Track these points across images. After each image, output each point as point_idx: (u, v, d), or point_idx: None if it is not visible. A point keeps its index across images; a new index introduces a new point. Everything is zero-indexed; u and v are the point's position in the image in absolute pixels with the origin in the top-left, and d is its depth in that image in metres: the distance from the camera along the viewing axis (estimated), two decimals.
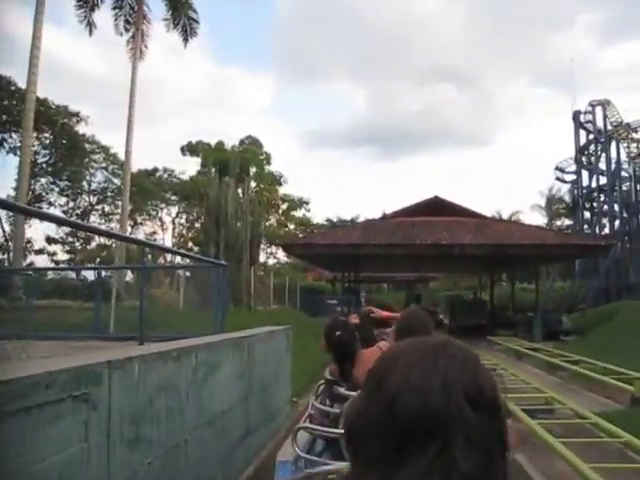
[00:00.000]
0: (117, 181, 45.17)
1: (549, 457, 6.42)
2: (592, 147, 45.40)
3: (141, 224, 48.79)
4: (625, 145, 40.37)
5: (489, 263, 30.25)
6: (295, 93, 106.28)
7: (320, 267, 37.13)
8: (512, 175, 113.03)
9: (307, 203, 38.32)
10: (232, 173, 18.32)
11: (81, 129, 35.84)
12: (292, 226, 37.75)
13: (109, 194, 44.89)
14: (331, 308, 28.47)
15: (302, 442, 2.99)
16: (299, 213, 42.88)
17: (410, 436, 0.72)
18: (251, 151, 32.01)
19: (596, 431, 7.37)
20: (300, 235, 36.84)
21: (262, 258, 50.03)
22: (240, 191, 18.46)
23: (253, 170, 29.19)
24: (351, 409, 0.84)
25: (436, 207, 26.51)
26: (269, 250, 53.13)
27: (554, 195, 59.78)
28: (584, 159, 46.71)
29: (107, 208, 45.31)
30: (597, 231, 41.70)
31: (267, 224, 31.82)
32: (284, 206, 36.21)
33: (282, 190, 36.10)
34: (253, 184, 23.91)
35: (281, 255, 50.64)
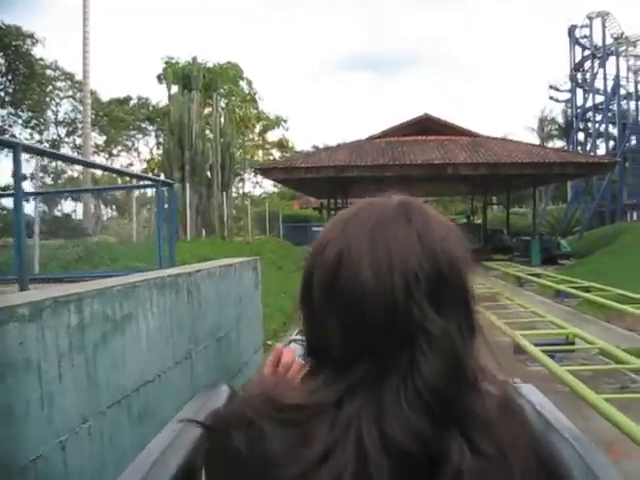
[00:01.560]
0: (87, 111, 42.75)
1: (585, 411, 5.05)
2: (588, 64, 43.41)
3: (117, 155, 46.63)
4: (626, 58, 38.17)
5: (484, 184, 28.70)
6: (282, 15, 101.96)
7: (304, 193, 35.42)
8: (504, 97, 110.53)
9: (285, 121, 34.54)
10: (196, 86, 16.11)
11: (38, 52, 33.03)
12: (272, 150, 35.43)
13: (79, 125, 42.53)
14: (316, 235, 27.12)
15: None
16: (277, 134, 38.70)
17: (375, 342, 0.69)
18: (223, 68, 29.41)
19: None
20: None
21: (248, 187, 48.28)
22: (209, 111, 16.53)
23: (225, 88, 27.19)
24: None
25: (426, 126, 24.68)
26: (254, 179, 51.40)
27: (546, 116, 58.11)
28: (579, 77, 44.81)
29: (78, 140, 43.00)
30: (591, 153, 40.17)
31: (240, 145, 29.04)
32: (259, 125, 32.49)
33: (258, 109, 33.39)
34: (223, 102, 21.63)
35: (268, 184, 48.87)
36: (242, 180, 67.49)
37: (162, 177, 15.73)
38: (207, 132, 16.39)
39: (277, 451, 0.69)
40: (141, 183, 7.49)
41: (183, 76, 16.46)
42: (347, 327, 0.71)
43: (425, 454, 0.65)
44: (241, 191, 34.96)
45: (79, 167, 23.91)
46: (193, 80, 16.12)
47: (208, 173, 16.00)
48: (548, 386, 5.68)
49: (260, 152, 31.61)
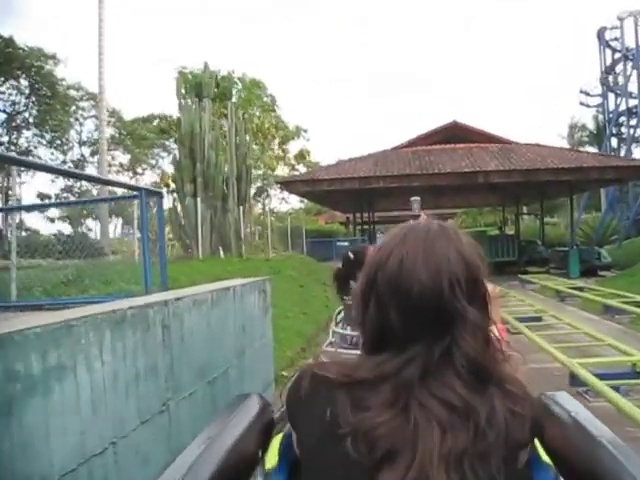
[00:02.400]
0: (110, 130, 42.48)
1: None
2: (620, 67, 41.87)
3: (142, 174, 46.36)
4: None
5: (517, 193, 27.45)
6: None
7: (329, 207, 34.48)
8: (533, 105, 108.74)
9: (305, 131, 32.43)
10: (207, 94, 15.14)
11: (60, 72, 32.81)
12: (294, 162, 34.08)
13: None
14: (343, 251, 26.05)
15: (342, 341, 2.90)
16: (297, 145, 36.62)
17: (422, 325, 0.95)
18: (245, 84, 28.33)
19: None
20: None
21: (274, 203, 47.40)
22: (224, 122, 15.62)
23: (240, 95, 25.77)
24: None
25: (455, 134, 23.69)
26: (280, 195, 50.61)
27: (576, 123, 56.51)
28: (611, 80, 43.27)
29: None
30: None
31: (258, 156, 27.59)
32: (278, 136, 30.42)
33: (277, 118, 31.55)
34: (240, 111, 20.80)
35: (294, 200, 47.95)
36: (268, 196, 66.81)
37: (169, 191, 14.94)
38: (222, 143, 15.62)
39: (343, 407, 0.93)
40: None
41: (195, 85, 15.67)
42: (406, 314, 0.96)
43: (464, 405, 0.90)
44: (267, 207, 33.84)
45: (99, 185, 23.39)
46: (204, 87, 15.20)
47: (224, 187, 15.19)
48: (617, 428, 4.61)
49: (282, 164, 30.54)
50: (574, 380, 6.11)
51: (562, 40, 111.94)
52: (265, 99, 29.44)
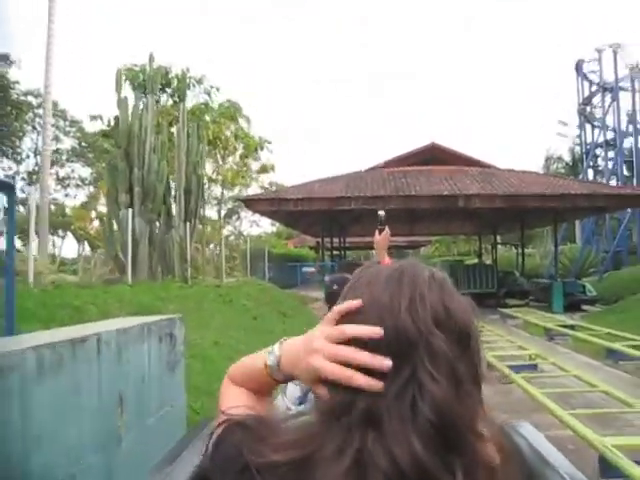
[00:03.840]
0: (70, 141, 40.24)
1: None
2: (597, 99, 41.47)
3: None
4: None
5: (496, 220, 26.07)
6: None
7: (297, 229, 32.63)
8: (509, 136, 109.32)
9: (269, 142, 27.73)
10: (151, 89, 13.39)
11: (13, 75, 30.57)
12: (260, 179, 31.44)
13: (63, 156, 40.11)
14: (308, 278, 24.20)
15: (293, 397, 2.46)
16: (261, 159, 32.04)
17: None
18: (220, 106, 25.72)
19: None
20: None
21: (245, 226, 45.32)
22: (175, 131, 13.53)
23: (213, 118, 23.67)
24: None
25: (434, 155, 22.21)
26: (252, 218, 48.68)
27: (552, 154, 56.15)
28: (588, 111, 42.82)
29: (62, 172, 40.54)
30: None
31: (217, 167, 24.91)
32: (240, 147, 25.86)
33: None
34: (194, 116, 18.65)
35: (266, 223, 46.00)
36: (239, 218, 64.72)
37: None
38: (169, 149, 13.64)
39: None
40: None
41: (138, 79, 13.63)
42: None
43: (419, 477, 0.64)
44: (219, 225, 31.20)
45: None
46: (148, 82, 13.28)
47: (170, 199, 13.18)
48: None
49: (246, 180, 27.97)
50: (606, 467, 4.38)
51: (540, 71, 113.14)
52: (240, 120, 27.41)
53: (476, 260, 32.08)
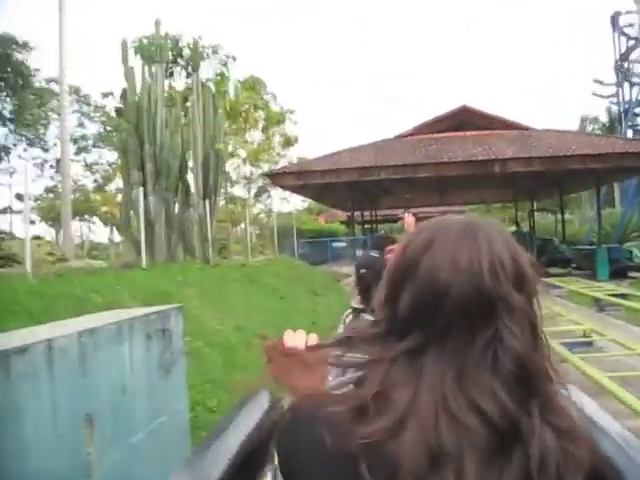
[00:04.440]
0: (95, 127, 39.79)
1: None
2: (635, 54, 39.42)
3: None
4: None
5: (533, 185, 24.89)
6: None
7: (326, 204, 31.78)
8: (544, 97, 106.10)
9: (292, 112, 25.97)
10: (161, 57, 12.30)
11: (33, 62, 29.97)
12: (282, 154, 29.85)
13: (89, 142, 39.81)
14: (339, 253, 23.39)
15: (332, 373, 1.51)
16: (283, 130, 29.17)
17: (459, 320, 0.75)
18: (240, 82, 24.11)
19: None
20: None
21: (276, 205, 44.62)
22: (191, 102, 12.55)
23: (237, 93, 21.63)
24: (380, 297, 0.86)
25: (464, 120, 21.04)
26: (282, 195, 47.96)
27: (588, 115, 54.02)
28: (625, 68, 40.78)
29: (89, 158, 40.25)
30: None
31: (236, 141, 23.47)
32: (262, 120, 23.90)
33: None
34: (212, 85, 17.46)
35: (297, 200, 45.24)
36: (269, 196, 64.04)
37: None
38: (184, 122, 12.80)
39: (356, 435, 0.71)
40: None
41: (147, 49, 12.68)
42: (438, 300, 0.76)
43: (511, 429, 0.70)
44: (249, 201, 30.22)
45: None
46: (156, 50, 12.07)
47: (190, 176, 12.47)
48: None
49: (269, 155, 26.72)
50: None
51: (573, 28, 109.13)
52: (265, 97, 26.12)
53: (513, 228, 30.93)
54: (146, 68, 11.62)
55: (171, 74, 14.81)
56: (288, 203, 45.40)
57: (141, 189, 10.02)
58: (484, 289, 0.74)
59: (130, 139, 10.83)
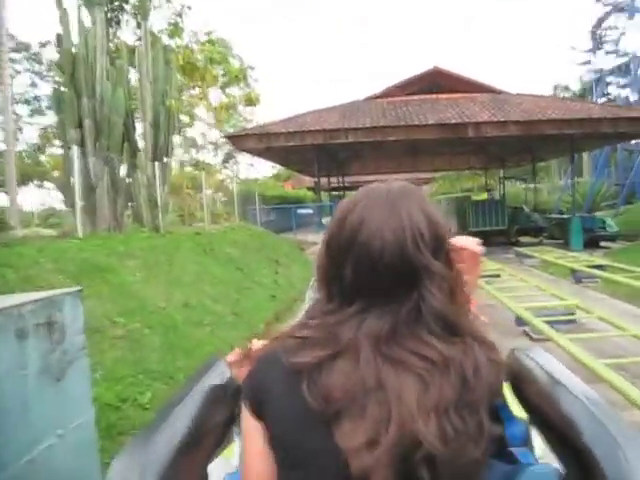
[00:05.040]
0: (49, 86, 37.70)
1: None
2: (610, 21, 38.99)
3: None
4: None
5: (507, 152, 24.23)
6: None
7: (291, 169, 30.72)
8: (512, 65, 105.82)
9: (252, 68, 23.40)
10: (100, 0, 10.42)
11: None
12: (248, 119, 28.21)
13: (43, 103, 37.78)
14: (306, 220, 22.47)
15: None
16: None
17: (392, 286, 0.92)
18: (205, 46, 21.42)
19: None
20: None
21: (243, 172, 43.38)
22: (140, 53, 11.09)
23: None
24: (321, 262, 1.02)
25: (436, 82, 20.17)
26: (249, 161, 46.65)
27: (559, 83, 53.79)
28: (599, 35, 40.37)
29: (45, 120, 38.25)
30: None
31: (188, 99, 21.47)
32: (219, 78, 21.27)
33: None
34: (165, 38, 15.83)
35: (266, 166, 44.12)
36: (236, 162, 62.56)
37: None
38: (129, 75, 11.35)
39: (307, 358, 0.89)
40: None
41: None
42: (368, 271, 0.92)
43: (443, 359, 0.87)
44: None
45: None
46: None
47: (138, 138, 11.28)
48: None
49: (230, 116, 24.95)
50: None
51: None
52: (232, 60, 24.10)
53: (484, 196, 30.40)
54: (85, 12, 10.26)
55: (117, 22, 13.42)
56: (255, 169, 44.23)
57: (77, 148, 8.79)
58: (409, 259, 0.91)
59: (66, 92, 9.52)
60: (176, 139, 18.66)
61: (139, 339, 5.41)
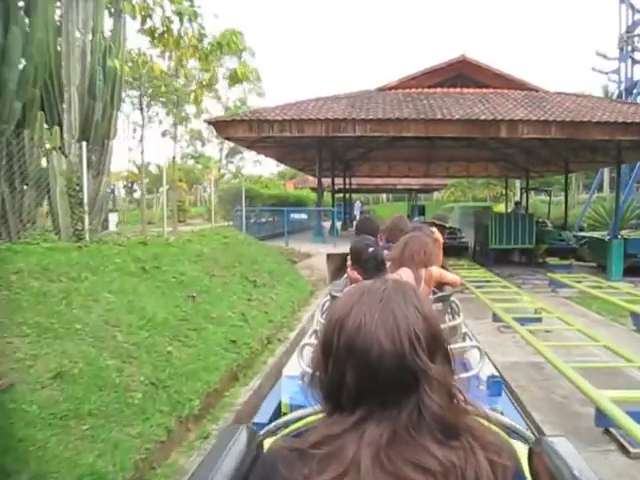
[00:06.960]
0: None
1: None
2: None
3: None
4: None
5: (538, 157, 21.42)
6: None
7: (289, 166, 27.85)
8: (544, 69, 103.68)
9: (240, 33, 18.94)
10: None
11: None
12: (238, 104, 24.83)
13: None
14: (302, 225, 19.53)
15: (308, 358, 2.42)
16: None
17: (391, 392, 0.91)
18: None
19: None
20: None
21: (248, 169, 40.69)
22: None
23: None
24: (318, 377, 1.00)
25: (463, 74, 17.40)
26: (255, 157, 44.04)
27: (583, 92, 51.03)
28: (629, 43, 37.63)
29: None
30: None
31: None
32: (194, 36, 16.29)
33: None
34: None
35: (272, 163, 41.47)
36: (242, 158, 59.77)
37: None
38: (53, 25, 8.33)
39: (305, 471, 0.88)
40: None
41: None
42: (365, 376, 0.91)
43: (443, 468, 0.86)
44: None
45: None
46: None
47: (63, 105, 8.26)
48: None
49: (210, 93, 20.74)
50: None
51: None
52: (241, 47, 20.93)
53: (500, 207, 27.54)
54: None
55: None
56: (262, 166, 41.54)
57: None
58: (407, 366, 0.90)
59: None
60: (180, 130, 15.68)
61: None
